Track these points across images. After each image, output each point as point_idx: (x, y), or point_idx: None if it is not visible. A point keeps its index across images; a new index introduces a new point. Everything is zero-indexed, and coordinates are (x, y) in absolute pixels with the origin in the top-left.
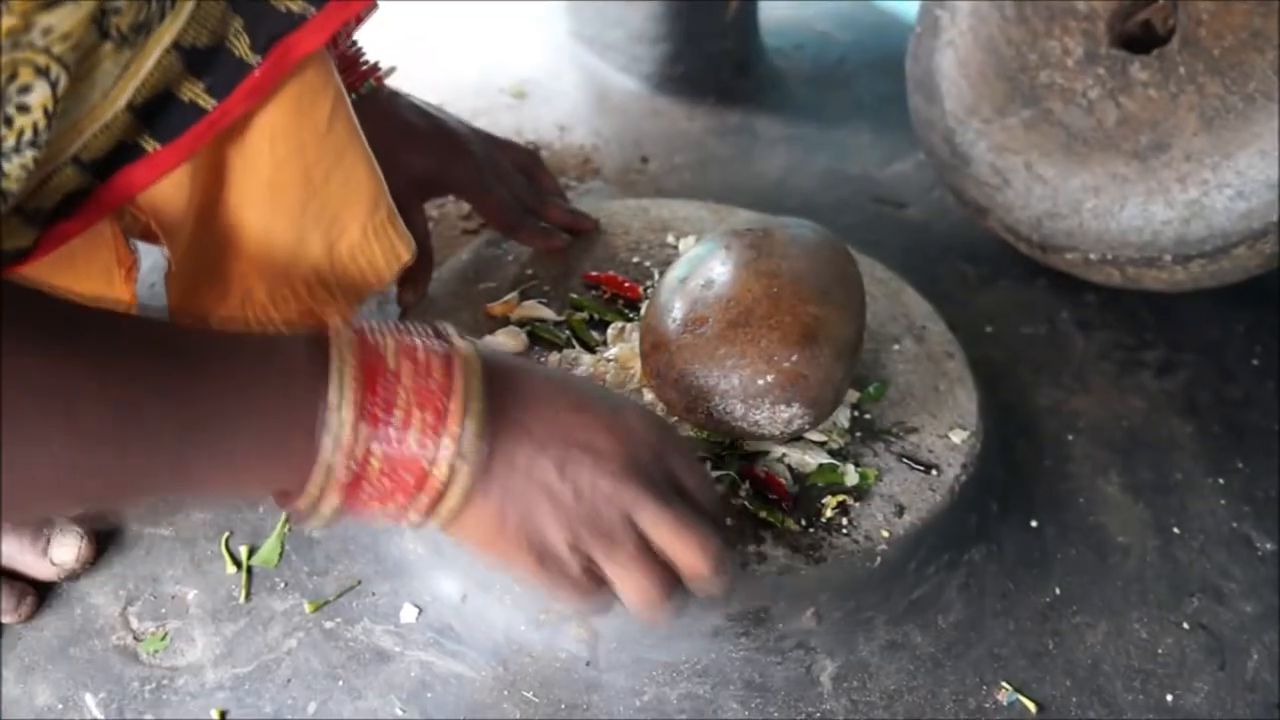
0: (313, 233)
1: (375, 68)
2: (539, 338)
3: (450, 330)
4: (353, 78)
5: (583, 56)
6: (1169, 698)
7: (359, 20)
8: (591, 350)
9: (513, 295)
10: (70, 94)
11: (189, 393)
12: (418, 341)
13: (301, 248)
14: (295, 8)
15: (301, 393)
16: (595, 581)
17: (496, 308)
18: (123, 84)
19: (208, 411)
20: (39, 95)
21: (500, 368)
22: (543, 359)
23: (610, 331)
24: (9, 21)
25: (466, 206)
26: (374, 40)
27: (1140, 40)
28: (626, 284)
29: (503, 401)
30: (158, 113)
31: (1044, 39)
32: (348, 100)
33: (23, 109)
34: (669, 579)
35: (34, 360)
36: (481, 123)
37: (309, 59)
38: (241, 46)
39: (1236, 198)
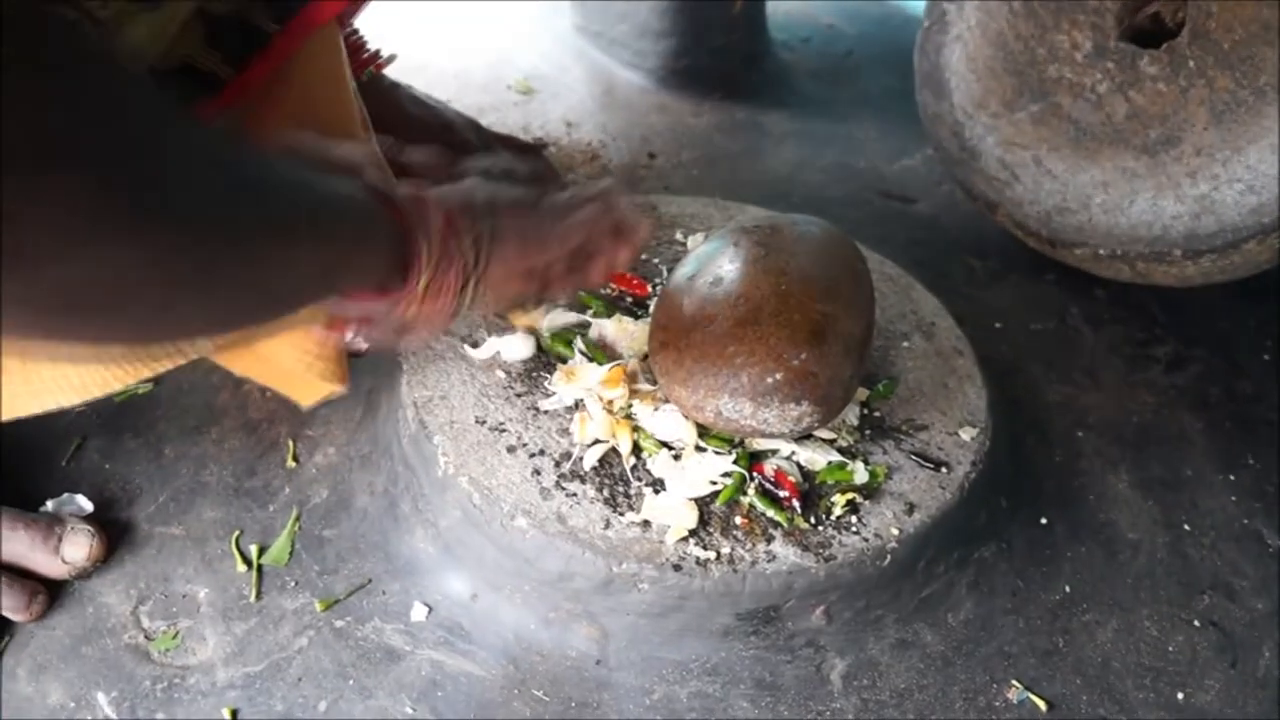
0: None
1: (376, 55)
2: (546, 350)
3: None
4: (354, 65)
5: (589, 52)
6: (1180, 695)
7: None
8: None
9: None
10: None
11: (330, 235)
12: (455, 201)
13: None
14: None
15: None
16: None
17: (522, 320)
18: (151, 49)
19: (341, 252)
20: None
21: (486, 205)
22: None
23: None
24: None
25: None
26: (382, 38)
27: (1149, 34)
28: (635, 281)
29: (493, 222)
30: (182, 82)
31: (1052, 33)
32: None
33: None
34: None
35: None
36: (490, 119)
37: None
38: (261, 16)
39: (1247, 192)
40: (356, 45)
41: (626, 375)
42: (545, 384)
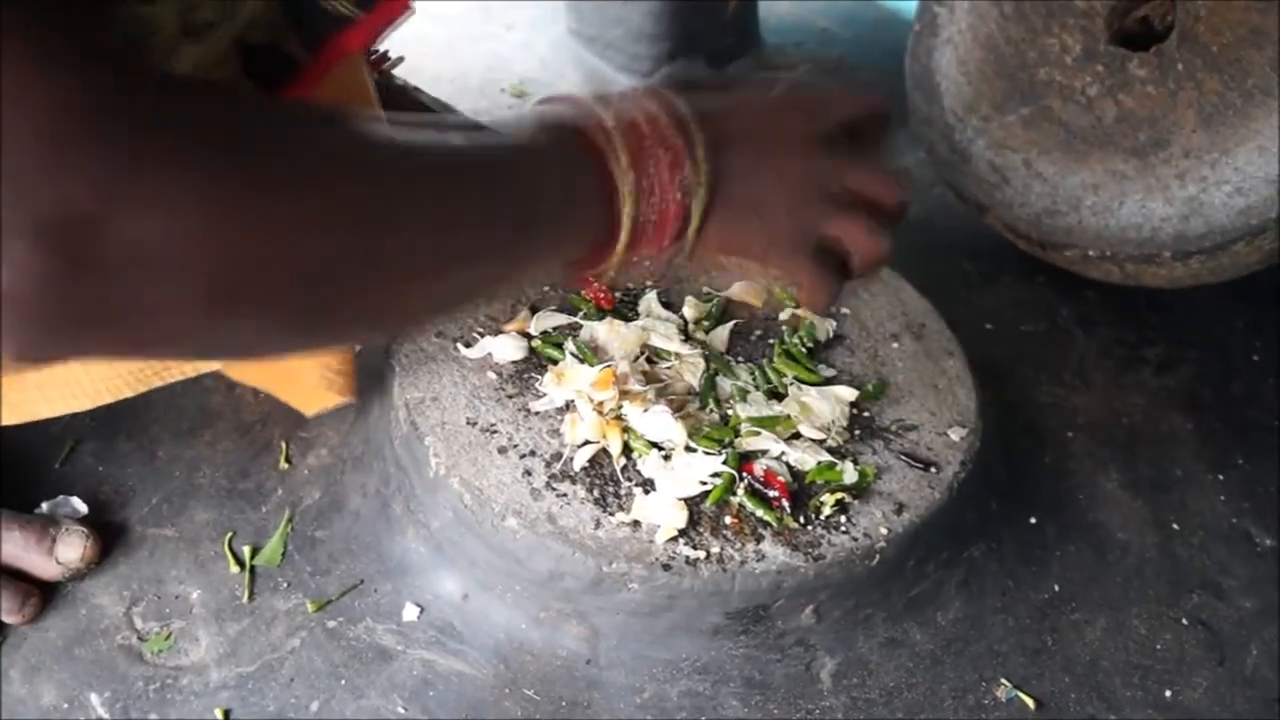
0: None
1: (385, 57)
2: (537, 351)
3: (663, 87)
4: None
5: (583, 56)
6: (1168, 694)
7: (393, 24)
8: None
9: (524, 313)
10: None
11: (510, 194)
12: (649, 107)
13: None
14: (344, 10)
15: (594, 184)
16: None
17: (511, 326)
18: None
19: (526, 211)
20: None
21: (706, 106)
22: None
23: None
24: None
25: None
26: (383, 40)
27: (1139, 37)
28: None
29: (716, 130)
30: None
31: (1043, 36)
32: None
33: None
34: (878, 220)
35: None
36: (485, 122)
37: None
38: (293, 45)
39: (1235, 194)
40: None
41: (617, 377)
42: (536, 385)
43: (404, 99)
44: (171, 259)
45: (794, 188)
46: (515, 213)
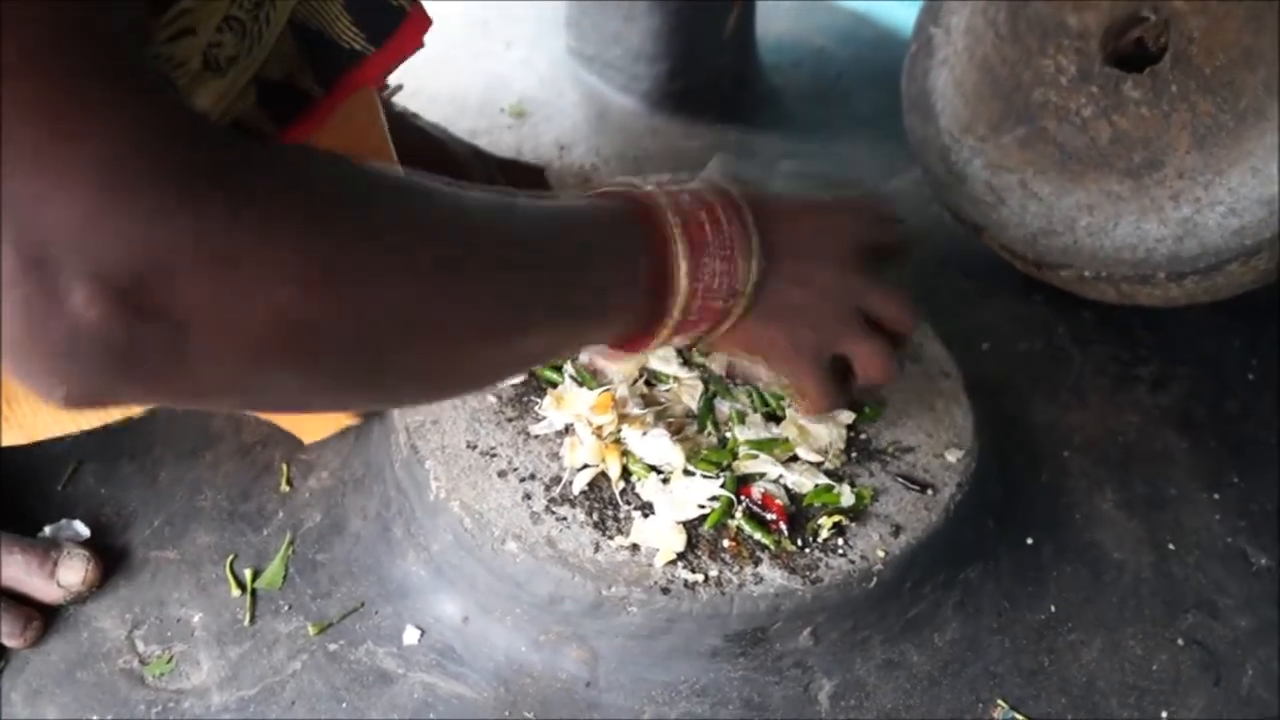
0: None
1: (384, 85)
2: (537, 375)
3: (724, 183)
4: None
5: (582, 75)
6: (1164, 714)
7: (404, 59)
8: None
9: None
10: None
11: (572, 277)
12: (711, 202)
13: None
14: (357, 46)
15: (652, 276)
16: (834, 374)
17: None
18: (213, 111)
19: (584, 294)
20: None
21: (760, 208)
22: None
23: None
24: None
25: None
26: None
27: (1133, 58)
28: None
29: (771, 237)
30: None
31: (1038, 57)
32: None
33: None
34: (891, 341)
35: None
36: (482, 142)
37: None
38: (306, 80)
39: (1229, 215)
40: None
41: (616, 400)
42: (536, 409)
43: (403, 125)
44: (238, 315)
45: (823, 304)
46: (573, 295)
